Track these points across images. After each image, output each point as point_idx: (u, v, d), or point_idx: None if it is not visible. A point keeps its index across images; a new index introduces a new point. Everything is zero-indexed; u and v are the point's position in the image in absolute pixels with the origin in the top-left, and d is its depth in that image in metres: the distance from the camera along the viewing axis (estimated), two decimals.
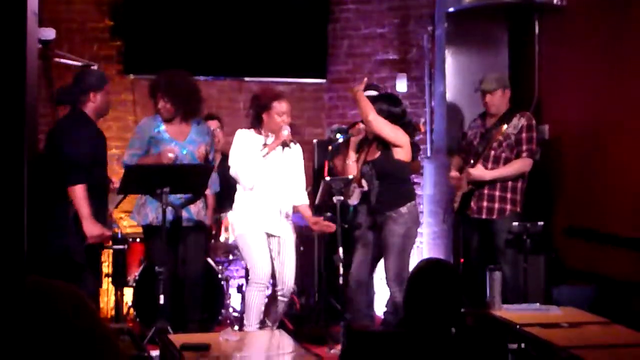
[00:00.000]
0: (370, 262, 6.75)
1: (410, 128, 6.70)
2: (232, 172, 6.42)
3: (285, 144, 6.45)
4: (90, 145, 6.01)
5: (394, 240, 6.47)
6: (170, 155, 6.28)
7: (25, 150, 1.44)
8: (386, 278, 6.58)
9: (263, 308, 6.42)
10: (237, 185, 6.52)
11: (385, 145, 6.56)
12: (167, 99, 6.42)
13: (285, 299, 6.52)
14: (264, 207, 6.40)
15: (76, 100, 6.08)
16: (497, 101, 6.90)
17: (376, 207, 6.57)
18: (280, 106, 6.42)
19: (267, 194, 6.40)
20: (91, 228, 5.91)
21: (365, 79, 6.76)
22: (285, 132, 6.40)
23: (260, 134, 6.46)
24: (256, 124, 6.47)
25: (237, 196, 6.53)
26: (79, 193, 5.85)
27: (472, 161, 6.80)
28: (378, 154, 6.62)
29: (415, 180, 8.15)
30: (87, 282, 5.90)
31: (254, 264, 6.34)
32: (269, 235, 6.42)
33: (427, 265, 3.25)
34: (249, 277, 6.44)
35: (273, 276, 6.47)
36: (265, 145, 6.39)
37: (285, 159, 6.51)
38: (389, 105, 6.66)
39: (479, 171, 6.73)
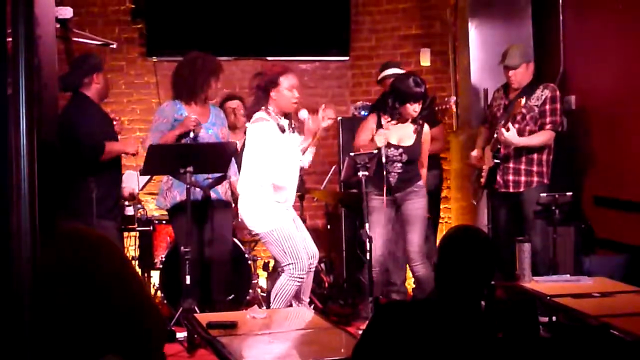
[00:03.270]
0: (394, 240, 6.78)
1: (433, 107, 6.74)
2: (269, 175, 5.99)
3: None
4: (101, 127, 6.06)
5: (419, 212, 6.60)
6: (194, 117, 6.31)
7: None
8: (410, 251, 6.55)
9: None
10: (253, 180, 6.06)
11: (421, 134, 6.60)
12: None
13: (314, 268, 6.28)
14: (289, 194, 6.14)
15: (79, 84, 6.10)
16: (520, 76, 6.79)
17: (397, 186, 6.58)
18: (289, 80, 6.07)
19: (291, 181, 6.14)
20: (124, 147, 6.31)
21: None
22: (304, 114, 6.09)
23: (271, 116, 6.04)
24: (263, 103, 6.06)
25: (253, 190, 6.05)
26: (106, 153, 6.08)
27: (495, 134, 6.70)
28: (413, 140, 6.57)
29: (442, 155, 8.08)
30: None
31: (297, 258, 5.96)
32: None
33: (457, 232, 3.19)
34: (289, 271, 5.98)
35: None
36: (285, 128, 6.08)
37: (294, 140, 6.17)
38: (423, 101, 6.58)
39: (510, 134, 6.51)
